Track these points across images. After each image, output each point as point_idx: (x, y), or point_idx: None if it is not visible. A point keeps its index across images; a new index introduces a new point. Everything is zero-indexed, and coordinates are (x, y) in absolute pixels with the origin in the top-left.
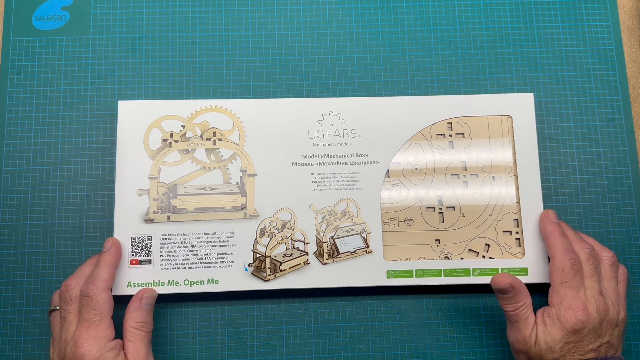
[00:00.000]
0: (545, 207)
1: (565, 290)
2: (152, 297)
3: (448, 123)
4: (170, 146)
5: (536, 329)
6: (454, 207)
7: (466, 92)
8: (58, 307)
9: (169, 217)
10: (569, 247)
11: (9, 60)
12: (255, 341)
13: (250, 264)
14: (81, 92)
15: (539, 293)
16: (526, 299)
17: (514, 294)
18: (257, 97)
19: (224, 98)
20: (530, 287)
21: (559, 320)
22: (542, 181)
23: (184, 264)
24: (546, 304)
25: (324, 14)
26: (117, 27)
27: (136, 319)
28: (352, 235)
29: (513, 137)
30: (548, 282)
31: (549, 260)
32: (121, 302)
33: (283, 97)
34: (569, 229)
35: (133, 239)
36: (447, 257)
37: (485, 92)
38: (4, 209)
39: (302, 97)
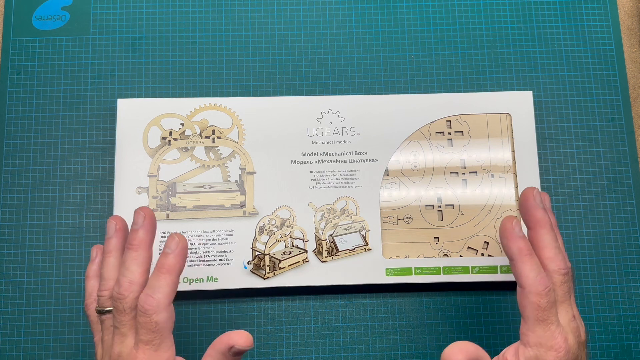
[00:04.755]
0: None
1: (543, 328)
2: (242, 351)
3: (447, 121)
4: (169, 144)
5: None
6: (453, 205)
7: (466, 92)
8: (110, 309)
9: (168, 215)
10: (541, 271)
11: (9, 60)
12: (255, 341)
13: (249, 261)
14: (81, 92)
15: None
16: None
17: None
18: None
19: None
20: None
21: None
22: (542, 181)
23: None
24: None
25: (324, 14)
26: (117, 27)
27: None
28: (351, 233)
29: (512, 135)
30: None
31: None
32: None
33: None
34: (545, 229)
35: None
36: (446, 255)
37: (485, 91)
38: (4, 209)
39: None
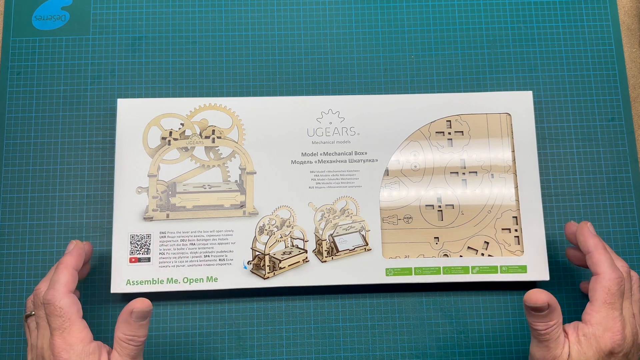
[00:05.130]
0: (544, 206)
1: (608, 310)
2: (142, 312)
3: (447, 121)
4: (169, 144)
5: (569, 347)
6: (453, 205)
7: (466, 92)
8: (33, 313)
9: (168, 215)
10: (614, 264)
11: (9, 60)
12: (255, 341)
13: (249, 261)
14: (81, 92)
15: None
16: (559, 317)
17: (549, 312)
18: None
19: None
20: (529, 284)
21: (597, 342)
22: (542, 181)
23: (183, 261)
24: None
25: (324, 14)
26: (117, 27)
27: (124, 332)
28: (351, 233)
29: (512, 135)
30: (547, 279)
31: (582, 273)
32: (121, 301)
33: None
34: (605, 243)
35: (132, 237)
36: (446, 255)
37: (485, 92)
38: (4, 209)
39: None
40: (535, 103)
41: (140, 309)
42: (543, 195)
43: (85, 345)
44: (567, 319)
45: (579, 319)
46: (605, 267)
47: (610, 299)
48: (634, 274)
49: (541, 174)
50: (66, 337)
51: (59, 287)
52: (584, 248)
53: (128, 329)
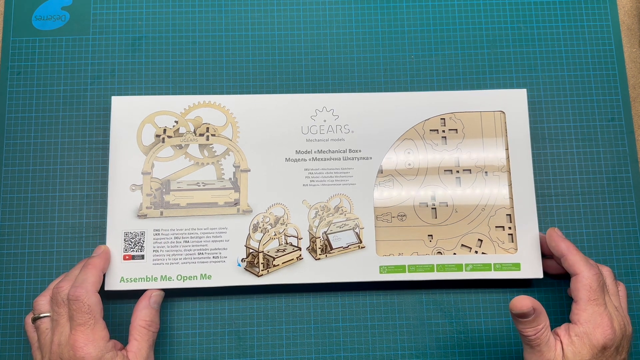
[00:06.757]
0: (538, 206)
1: (594, 307)
2: (160, 296)
3: (441, 119)
4: (163, 142)
5: (562, 349)
6: (446, 203)
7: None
8: (47, 314)
9: (162, 213)
10: (588, 262)
11: (9, 60)
12: (255, 341)
13: (243, 259)
14: (81, 92)
15: (531, 288)
16: (546, 320)
17: (535, 317)
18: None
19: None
20: (523, 282)
21: (589, 339)
22: (542, 181)
23: (177, 259)
24: (541, 299)
25: (324, 14)
26: (117, 27)
27: (144, 318)
28: (345, 230)
29: (506, 133)
30: (541, 277)
31: (562, 274)
32: (114, 298)
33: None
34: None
35: (126, 234)
36: (439, 253)
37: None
38: (4, 209)
39: None
40: (535, 103)
41: (157, 292)
42: (543, 195)
43: (106, 343)
44: (562, 318)
45: None
46: (582, 265)
47: (593, 296)
48: (603, 267)
49: (541, 174)
50: (89, 333)
51: (88, 285)
52: (557, 252)
53: (147, 315)
